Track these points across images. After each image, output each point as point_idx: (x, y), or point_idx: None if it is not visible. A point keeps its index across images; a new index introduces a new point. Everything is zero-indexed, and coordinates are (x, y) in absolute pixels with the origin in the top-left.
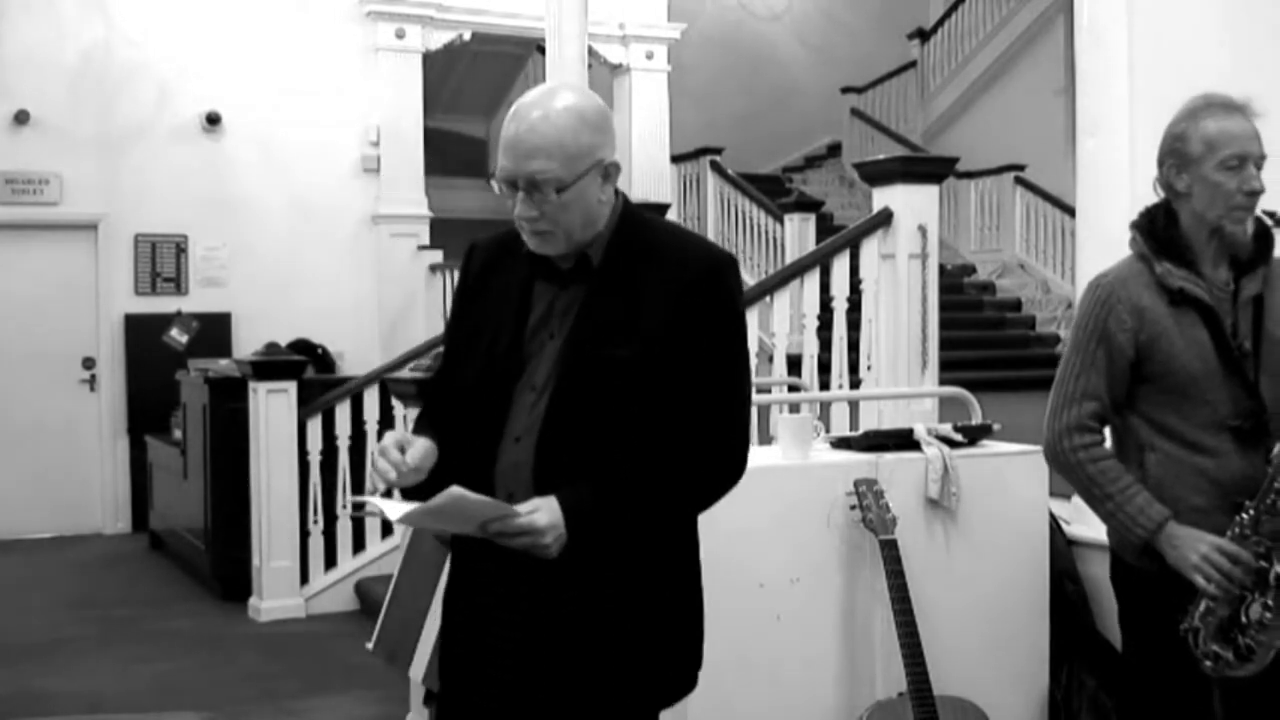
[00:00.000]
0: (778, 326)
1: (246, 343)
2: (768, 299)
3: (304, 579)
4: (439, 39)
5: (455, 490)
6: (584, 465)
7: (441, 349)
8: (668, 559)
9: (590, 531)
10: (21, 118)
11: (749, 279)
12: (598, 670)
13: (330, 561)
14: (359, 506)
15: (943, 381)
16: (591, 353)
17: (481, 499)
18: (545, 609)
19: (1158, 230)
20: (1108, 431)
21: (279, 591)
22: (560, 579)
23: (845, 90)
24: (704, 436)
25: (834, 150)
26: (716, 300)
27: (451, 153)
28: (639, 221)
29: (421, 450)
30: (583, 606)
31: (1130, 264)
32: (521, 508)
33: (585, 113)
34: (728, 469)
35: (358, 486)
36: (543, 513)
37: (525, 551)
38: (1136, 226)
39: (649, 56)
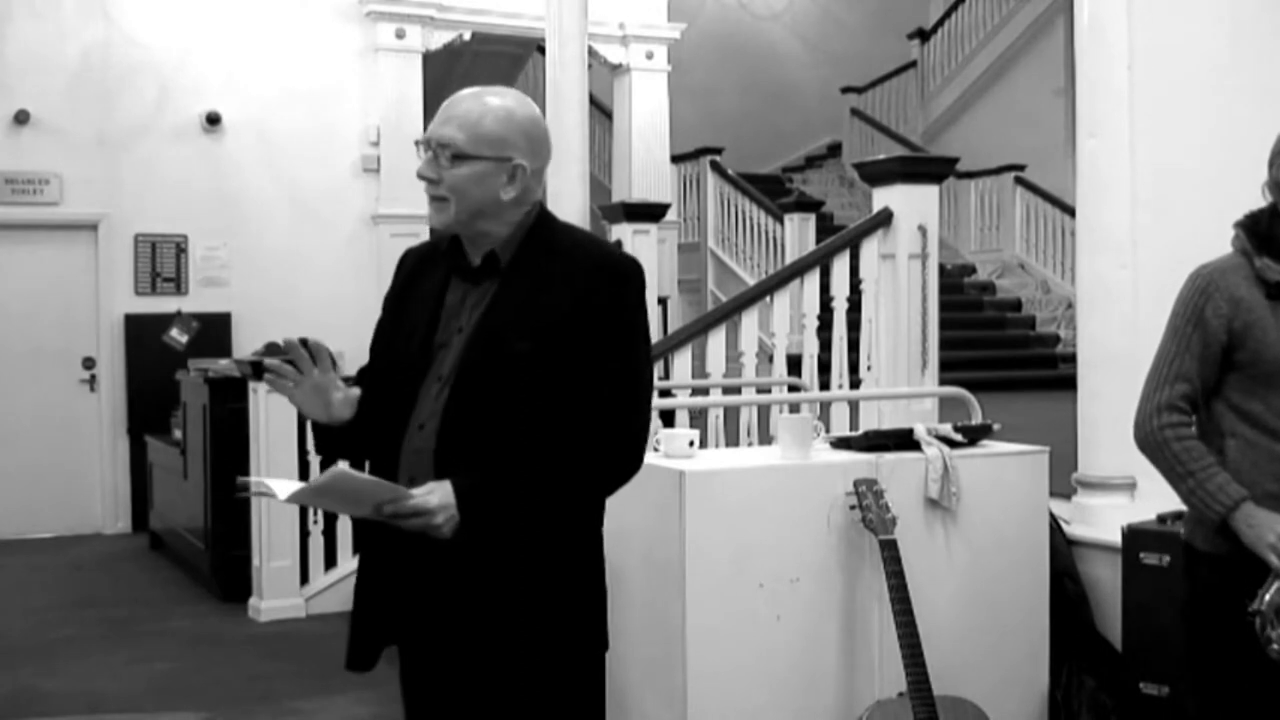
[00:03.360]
0: (778, 326)
1: (246, 343)
2: (768, 299)
3: (304, 579)
4: (439, 39)
5: (339, 468)
6: (483, 451)
7: None
8: (564, 544)
9: (482, 513)
10: (21, 118)
11: (749, 279)
12: (496, 642)
13: (330, 561)
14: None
15: (943, 381)
16: (493, 345)
17: (367, 478)
18: (443, 587)
19: (1261, 229)
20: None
21: (279, 591)
22: (456, 559)
23: (845, 90)
24: (598, 429)
25: (834, 150)
26: (614, 301)
27: None
28: (551, 228)
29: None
30: (475, 585)
31: (1231, 258)
32: (415, 490)
33: (514, 113)
34: (623, 458)
35: None
36: (435, 494)
37: (421, 532)
38: (1241, 225)
39: (649, 56)
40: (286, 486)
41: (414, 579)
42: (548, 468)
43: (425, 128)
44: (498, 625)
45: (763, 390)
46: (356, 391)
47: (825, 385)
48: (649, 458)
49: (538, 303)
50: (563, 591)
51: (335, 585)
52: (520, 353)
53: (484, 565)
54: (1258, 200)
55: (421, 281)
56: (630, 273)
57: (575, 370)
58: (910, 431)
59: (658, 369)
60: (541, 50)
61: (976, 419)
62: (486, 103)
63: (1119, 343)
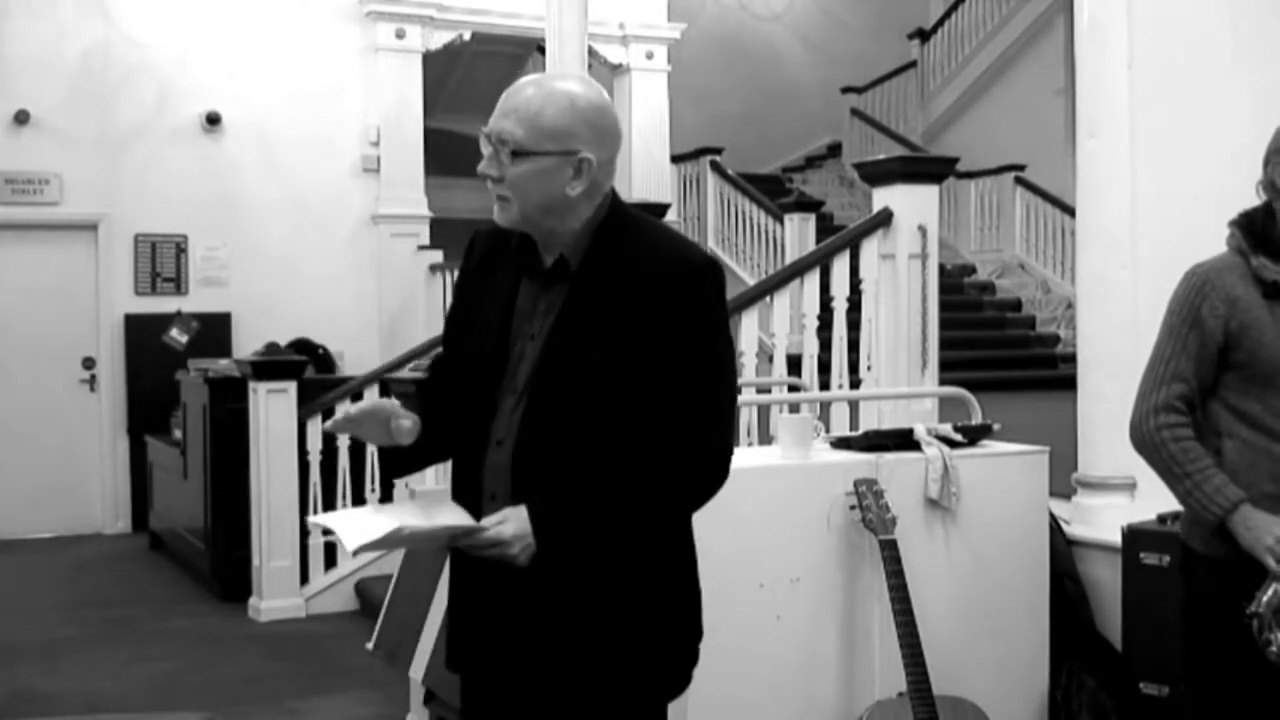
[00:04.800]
0: (778, 326)
1: (246, 343)
2: (768, 299)
3: (304, 579)
4: (439, 39)
5: (393, 527)
6: (561, 470)
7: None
8: (654, 559)
9: (561, 539)
10: (21, 118)
11: (749, 279)
12: (589, 663)
13: (330, 561)
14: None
15: (943, 381)
16: (568, 358)
17: (425, 527)
18: (538, 607)
19: (1256, 227)
20: None
21: (279, 591)
22: (535, 587)
23: (845, 90)
24: (681, 439)
25: (834, 150)
26: (692, 304)
27: (451, 153)
28: (623, 225)
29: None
30: (570, 604)
31: (1226, 257)
32: (487, 521)
33: (576, 100)
34: (708, 472)
35: (358, 488)
36: (510, 524)
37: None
38: (1236, 224)
39: (649, 56)
40: (355, 536)
41: (492, 606)
42: (628, 485)
43: (424, 128)
44: (579, 657)
45: (763, 390)
46: (414, 421)
47: (825, 385)
48: None
49: (611, 310)
50: (656, 608)
51: (335, 585)
52: (596, 365)
53: (564, 592)
54: (1257, 200)
55: (493, 275)
56: (707, 273)
57: (653, 380)
58: (910, 431)
59: None
60: (541, 50)
61: (976, 419)
62: (547, 91)
63: (1119, 343)
